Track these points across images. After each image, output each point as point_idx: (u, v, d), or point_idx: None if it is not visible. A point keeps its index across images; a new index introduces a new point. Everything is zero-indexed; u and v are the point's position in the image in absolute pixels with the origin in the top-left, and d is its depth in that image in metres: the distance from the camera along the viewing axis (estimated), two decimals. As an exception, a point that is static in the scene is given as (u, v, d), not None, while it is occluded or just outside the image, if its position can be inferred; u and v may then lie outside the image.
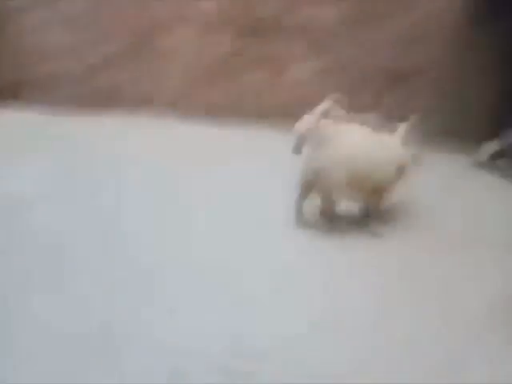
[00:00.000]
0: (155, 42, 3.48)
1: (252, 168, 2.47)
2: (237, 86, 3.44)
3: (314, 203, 1.92)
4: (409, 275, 1.64)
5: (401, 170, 1.88)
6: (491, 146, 2.64)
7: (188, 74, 3.50)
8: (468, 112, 2.96)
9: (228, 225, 1.94)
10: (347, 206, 1.95)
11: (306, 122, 1.83)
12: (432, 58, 3.01)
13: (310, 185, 1.85)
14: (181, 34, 3.44)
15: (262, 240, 1.84)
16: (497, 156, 2.62)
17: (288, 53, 3.29)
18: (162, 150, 2.69)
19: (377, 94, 3.16)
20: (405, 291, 1.55)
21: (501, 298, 1.51)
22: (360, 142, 1.78)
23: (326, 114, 1.85)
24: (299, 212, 1.92)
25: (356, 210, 1.97)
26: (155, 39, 3.47)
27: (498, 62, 2.70)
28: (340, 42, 3.18)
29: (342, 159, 1.74)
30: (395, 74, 3.10)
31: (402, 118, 1.99)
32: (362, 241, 1.84)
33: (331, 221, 1.88)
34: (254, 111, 3.44)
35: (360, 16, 3.09)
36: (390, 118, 1.95)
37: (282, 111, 3.38)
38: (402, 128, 1.94)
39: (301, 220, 1.93)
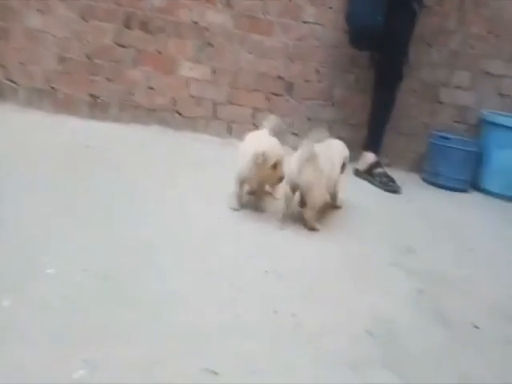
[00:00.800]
0: (26, 22, 3.04)
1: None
2: (122, 80, 3.18)
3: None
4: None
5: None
6: (369, 157, 2.88)
7: (65, 60, 3.13)
8: (354, 122, 3.21)
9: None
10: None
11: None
12: (317, 70, 3.19)
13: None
14: (58, 14, 3.07)
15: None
16: (373, 167, 2.86)
17: (180, 51, 3.16)
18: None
19: (268, 99, 3.22)
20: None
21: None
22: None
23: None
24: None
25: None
26: (26, 18, 3.03)
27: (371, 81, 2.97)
28: (233, 46, 3.16)
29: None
30: (285, 81, 3.21)
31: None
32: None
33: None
34: (142, 108, 3.23)
35: (253, 23, 3.13)
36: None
37: (171, 109, 3.24)
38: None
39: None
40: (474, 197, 2.99)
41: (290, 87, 3.20)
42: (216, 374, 1.03)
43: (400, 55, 2.78)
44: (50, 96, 3.17)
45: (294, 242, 1.79)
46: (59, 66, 3.15)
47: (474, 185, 3.08)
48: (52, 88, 3.18)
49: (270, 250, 1.70)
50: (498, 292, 1.66)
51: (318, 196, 1.88)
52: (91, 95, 3.20)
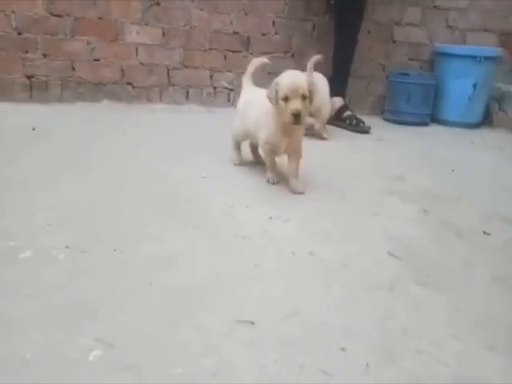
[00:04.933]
0: None
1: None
2: (60, 54, 2.90)
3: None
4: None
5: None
6: (337, 102, 2.86)
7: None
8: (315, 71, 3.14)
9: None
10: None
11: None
12: (273, 22, 3.08)
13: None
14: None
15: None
16: (342, 111, 2.85)
17: (124, 14, 2.91)
18: None
19: (226, 57, 3.08)
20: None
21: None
22: None
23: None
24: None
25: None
26: None
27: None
28: (183, 3, 2.96)
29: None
30: (241, 36, 3.07)
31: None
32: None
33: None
34: (87, 83, 2.97)
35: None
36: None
37: (121, 81, 3.02)
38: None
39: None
40: (435, 128, 3.09)
41: (246, 42, 3.08)
42: (252, 323, 0.96)
43: None
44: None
45: (287, 191, 1.72)
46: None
47: (433, 117, 3.17)
48: (-20, 72, 2.84)
49: (267, 200, 1.62)
50: (492, 202, 1.71)
51: (326, 113, 2.43)
52: (26, 75, 2.89)
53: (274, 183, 1.75)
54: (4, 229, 1.28)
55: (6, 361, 0.81)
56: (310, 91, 1.59)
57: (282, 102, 1.58)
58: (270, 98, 1.64)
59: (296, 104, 1.55)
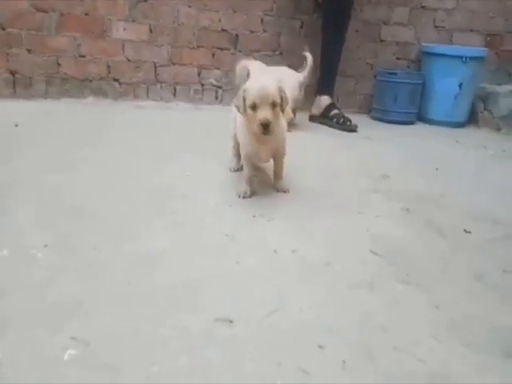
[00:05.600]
0: None
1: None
2: (45, 50, 2.86)
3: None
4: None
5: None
6: (324, 100, 2.86)
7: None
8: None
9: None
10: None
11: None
12: (261, 20, 3.08)
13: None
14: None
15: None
16: (329, 109, 2.85)
17: (110, 10, 2.88)
18: None
19: (214, 55, 3.07)
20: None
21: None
22: None
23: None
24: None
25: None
26: None
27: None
28: (173, 3, 2.94)
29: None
30: (229, 34, 3.06)
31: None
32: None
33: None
34: (73, 79, 2.94)
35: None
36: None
37: (107, 77, 2.99)
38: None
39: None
40: (421, 127, 3.12)
41: (235, 40, 3.07)
42: (231, 322, 0.96)
43: None
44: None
45: (272, 189, 1.72)
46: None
47: (419, 116, 3.19)
48: (-38, 68, 2.79)
49: (251, 199, 1.62)
50: (474, 201, 1.73)
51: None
52: (9, 71, 2.85)
53: (245, 197, 1.59)
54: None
55: (-22, 361, 0.80)
56: (282, 98, 1.47)
57: (250, 111, 1.45)
58: (237, 107, 1.51)
59: (265, 113, 1.41)
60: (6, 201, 1.44)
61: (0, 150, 1.90)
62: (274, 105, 1.44)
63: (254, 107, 1.44)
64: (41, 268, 1.09)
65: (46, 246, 1.18)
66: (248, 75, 2.24)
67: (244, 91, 1.47)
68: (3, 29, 2.79)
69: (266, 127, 1.42)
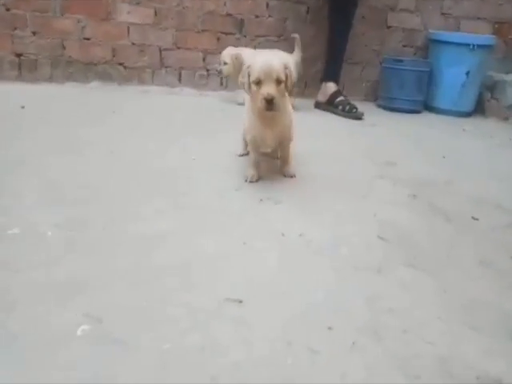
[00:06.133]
0: None
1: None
2: (50, 32, 2.83)
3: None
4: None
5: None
6: (330, 87, 2.84)
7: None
8: (308, 55, 3.13)
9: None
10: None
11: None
12: (267, 4, 3.04)
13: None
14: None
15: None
16: (335, 96, 2.83)
17: (113, -6, 2.85)
18: None
19: (219, 39, 3.04)
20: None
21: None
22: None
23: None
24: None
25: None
26: None
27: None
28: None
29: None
30: (234, 18, 3.02)
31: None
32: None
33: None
34: (77, 62, 2.91)
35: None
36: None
37: (112, 61, 2.97)
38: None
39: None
40: (428, 116, 3.10)
41: (240, 24, 3.03)
42: (240, 302, 0.97)
43: None
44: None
45: (278, 174, 1.72)
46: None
47: (426, 105, 3.17)
48: (-33, 49, 2.77)
49: (258, 183, 1.62)
50: (481, 188, 1.73)
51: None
52: (15, 53, 2.83)
53: (252, 182, 1.59)
54: (-9, 206, 1.26)
55: (-7, 335, 0.81)
56: (287, 75, 1.45)
57: (254, 87, 1.43)
58: (242, 84, 1.49)
59: (269, 88, 1.40)
60: (12, 181, 1.44)
61: (7, 132, 1.90)
62: (278, 81, 1.43)
63: (258, 83, 1.42)
64: (51, 246, 1.10)
65: (55, 225, 1.19)
66: (243, 63, 2.22)
67: (248, 67, 1.46)
68: (7, 10, 2.76)
69: (269, 102, 1.40)
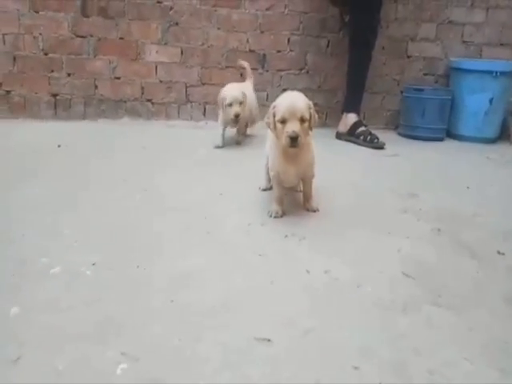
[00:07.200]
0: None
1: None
2: (84, 73, 3.02)
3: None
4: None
5: None
6: (351, 118, 2.90)
7: (18, 58, 2.93)
8: (327, 88, 3.23)
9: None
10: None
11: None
12: (288, 39, 3.16)
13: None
14: (5, 8, 2.86)
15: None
16: (356, 126, 2.88)
17: (144, 34, 3.02)
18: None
19: (242, 74, 3.15)
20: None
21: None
22: None
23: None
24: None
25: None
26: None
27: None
28: (201, 23, 3.06)
29: None
30: (257, 54, 3.15)
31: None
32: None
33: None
34: (108, 100, 3.08)
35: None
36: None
37: (141, 98, 3.12)
38: None
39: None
40: (450, 143, 3.09)
41: (262, 59, 3.15)
42: (269, 340, 1.01)
43: (374, 13, 2.80)
44: (4, 100, 2.97)
45: (302, 208, 1.76)
46: (12, 65, 2.95)
47: (448, 132, 3.18)
48: (7, 92, 2.98)
49: (283, 218, 1.66)
50: (507, 221, 1.72)
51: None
52: (51, 93, 3.02)
53: (276, 217, 1.64)
54: (35, 246, 1.36)
55: (40, 372, 0.87)
56: (310, 115, 1.52)
57: (279, 125, 1.51)
58: (267, 124, 1.57)
59: (293, 126, 1.47)
60: (52, 220, 1.54)
61: (45, 171, 2.02)
62: (302, 120, 1.51)
63: (283, 121, 1.50)
64: (90, 285, 1.17)
65: (93, 264, 1.27)
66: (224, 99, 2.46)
67: (274, 107, 1.54)
68: (46, 54, 2.97)
69: (294, 140, 1.48)
